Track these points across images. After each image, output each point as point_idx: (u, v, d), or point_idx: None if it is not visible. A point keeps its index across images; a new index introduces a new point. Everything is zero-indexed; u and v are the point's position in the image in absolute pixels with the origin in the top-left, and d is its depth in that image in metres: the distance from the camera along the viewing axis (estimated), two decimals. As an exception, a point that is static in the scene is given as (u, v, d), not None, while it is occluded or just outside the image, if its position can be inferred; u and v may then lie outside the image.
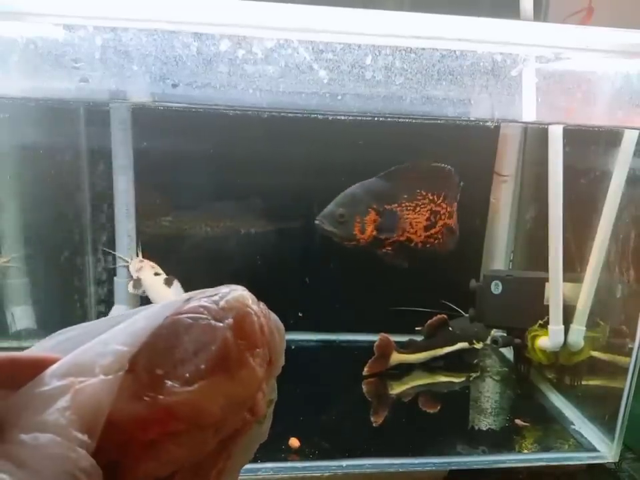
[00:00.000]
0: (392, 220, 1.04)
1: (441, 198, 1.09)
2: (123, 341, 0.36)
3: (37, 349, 0.40)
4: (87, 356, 0.35)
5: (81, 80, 0.74)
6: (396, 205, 1.05)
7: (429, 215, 1.07)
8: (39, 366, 0.35)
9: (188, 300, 0.40)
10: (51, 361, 0.36)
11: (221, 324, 0.39)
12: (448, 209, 1.11)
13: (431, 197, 1.09)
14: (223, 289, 0.41)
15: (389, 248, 1.07)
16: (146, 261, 1.21)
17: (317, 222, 1.05)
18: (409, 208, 1.05)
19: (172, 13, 0.68)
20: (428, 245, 1.11)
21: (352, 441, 1.03)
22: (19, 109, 1.13)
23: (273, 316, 0.44)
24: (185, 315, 0.39)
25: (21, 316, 1.27)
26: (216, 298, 0.40)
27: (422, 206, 1.07)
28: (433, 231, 1.09)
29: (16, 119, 1.15)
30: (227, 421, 0.38)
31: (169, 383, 0.36)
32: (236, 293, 0.41)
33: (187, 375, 0.37)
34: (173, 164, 1.31)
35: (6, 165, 1.22)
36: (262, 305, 0.43)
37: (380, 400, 1.21)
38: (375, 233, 1.03)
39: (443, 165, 1.13)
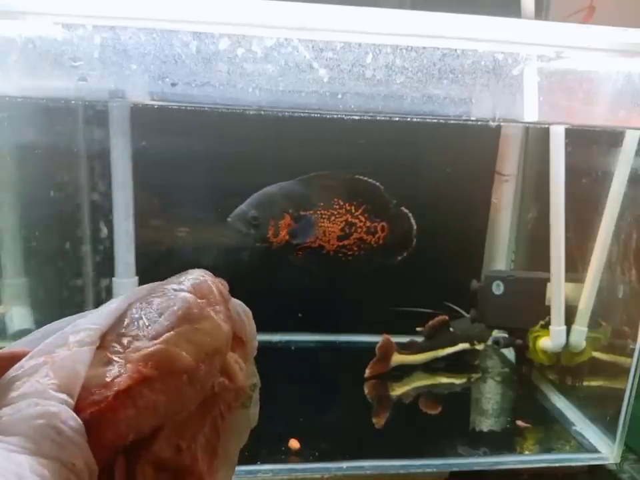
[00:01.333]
0: (306, 226, 1.02)
1: (359, 211, 1.07)
2: (94, 321, 0.39)
3: (17, 344, 0.41)
4: (60, 337, 0.38)
5: (80, 79, 0.73)
6: (312, 211, 1.03)
7: (343, 225, 1.05)
8: (16, 358, 0.37)
9: (154, 285, 0.45)
10: (27, 353, 0.37)
11: (181, 291, 0.43)
12: (366, 224, 1.09)
13: (347, 208, 1.06)
14: (183, 273, 0.46)
15: (300, 252, 1.05)
16: None
17: (228, 220, 1.01)
18: (324, 216, 1.03)
19: (171, 12, 0.68)
20: (340, 255, 1.09)
21: (352, 443, 1.02)
22: (17, 108, 1.12)
23: (236, 301, 0.47)
24: (151, 294, 0.43)
25: (20, 316, 1.26)
26: (176, 278, 0.45)
27: (337, 216, 1.05)
28: (346, 242, 1.07)
29: (15, 118, 1.15)
30: (200, 372, 0.39)
31: (137, 342, 0.39)
32: (193, 271, 0.46)
33: (154, 332, 0.40)
34: (172, 164, 1.31)
35: (5, 165, 1.21)
36: (221, 281, 0.47)
37: (380, 401, 1.21)
38: (287, 237, 1.01)
39: (369, 179, 1.10)
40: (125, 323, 0.41)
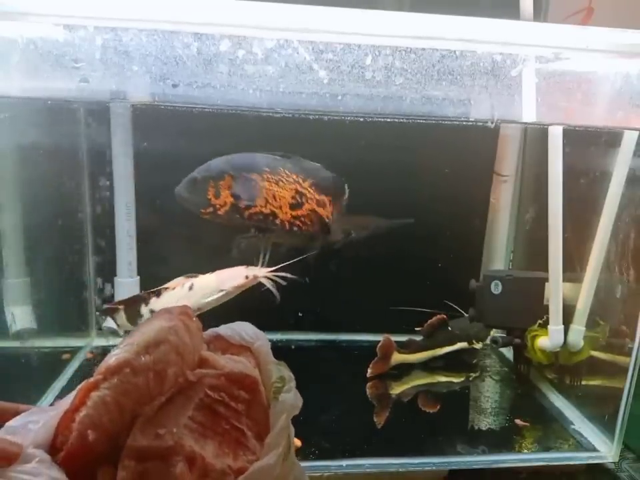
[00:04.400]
0: (248, 186, 1.01)
1: (307, 183, 1.07)
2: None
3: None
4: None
5: (82, 80, 0.74)
6: (255, 173, 1.02)
7: (294, 194, 1.06)
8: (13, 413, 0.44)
9: None
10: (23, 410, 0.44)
11: None
12: (316, 197, 1.09)
13: (295, 178, 1.06)
14: None
15: (252, 218, 1.03)
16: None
17: (175, 192, 1.02)
18: (270, 180, 1.03)
19: (172, 13, 0.68)
20: (295, 228, 1.08)
21: (352, 441, 1.03)
22: (19, 109, 1.13)
23: (237, 324, 0.56)
24: None
25: (21, 316, 1.27)
26: None
27: (286, 183, 1.04)
28: (299, 212, 1.07)
29: (16, 119, 1.15)
30: (141, 361, 0.43)
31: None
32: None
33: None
34: (172, 163, 1.31)
35: (6, 165, 1.22)
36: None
37: (380, 400, 1.21)
38: (231, 199, 1.01)
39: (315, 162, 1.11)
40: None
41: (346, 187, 1.13)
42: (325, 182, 1.09)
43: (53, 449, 0.39)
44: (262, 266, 0.96)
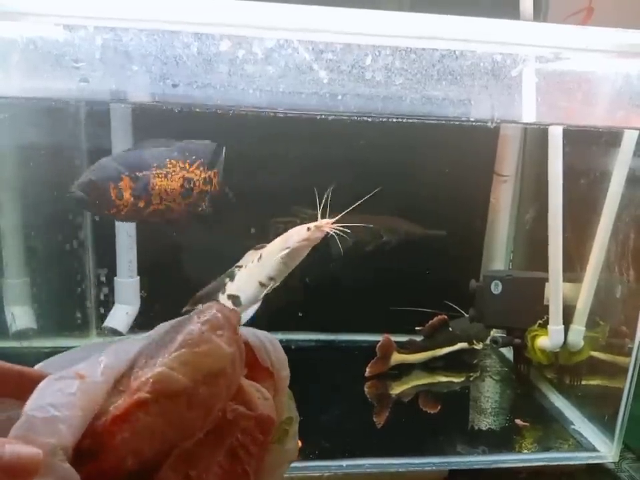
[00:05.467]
0: (143, 186, 1.02)
1: (194, 167, 1.08)
2: (112, 364, 0.41)
3: (48, 364, 0.42)
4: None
5: (81, 80, 0.74)
6: (146, 171, 1.03)
7: (182, 182, 1.06)
8: (37, 380, 0.39)
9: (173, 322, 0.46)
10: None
11: (191, 324, 0.43)
12: (203, 176, 1.09)
13: (182, 165, 1.07)
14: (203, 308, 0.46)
15: (151, 217, 1.04)
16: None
17: (70, 194, 1.00)
18: (160, 175, 1.04)
19: (172, 13, 0.68)
20: (191, 212, 1.09)
21: (352, 441, 1.03)
22: (19, 109, 1.13)
23: (263, 332, 0.48)
24: (168, 330, 0.44)
25: (21, 316, 1.27)
26: (195, 314, 0.45)
27: (173, 174, 1.05)
28: (191, 199, 1.08)
29: (16, 119, 1.15)
30: (200, 394, 0.39)
31: (140, 372, 0.40)
32: (212, 305, 0.46)
33: (156, 362, 0.40)
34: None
35: (6, 165, 1.22)
36: (234, 310, 0.46)
37: (380, 400, 1.21)
38: (131, 199, 1.01)
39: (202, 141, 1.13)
40: (139, 359, 0.41)
41: (223, 150, 1.13)
42: (209, 157, 1.10)
43: (76, 450, 0.36)
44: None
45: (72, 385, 0.38)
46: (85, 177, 1.00)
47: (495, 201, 1.47)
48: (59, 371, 0.40)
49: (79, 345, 1.41)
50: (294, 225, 0.97)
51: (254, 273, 0.96)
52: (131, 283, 1.35)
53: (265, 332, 0.46)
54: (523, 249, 1.49)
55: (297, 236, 0.91)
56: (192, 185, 1.07)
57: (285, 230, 0.97)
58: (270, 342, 0.47)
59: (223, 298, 0.99)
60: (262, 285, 0.96)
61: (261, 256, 0.96)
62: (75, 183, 0.99)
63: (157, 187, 1.03)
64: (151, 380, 0.38)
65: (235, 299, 0.99)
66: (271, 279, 0.93)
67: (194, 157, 1.08)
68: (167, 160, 1.05)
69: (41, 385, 0.38)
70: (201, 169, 1.08)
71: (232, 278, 1.00)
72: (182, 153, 1.07)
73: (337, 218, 0.92)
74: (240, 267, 1.01)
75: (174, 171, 1.05)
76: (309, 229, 0.90)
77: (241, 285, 0.99)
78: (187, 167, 1.07)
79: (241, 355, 0.43)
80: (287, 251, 0.90)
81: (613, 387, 1.06)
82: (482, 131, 0.91)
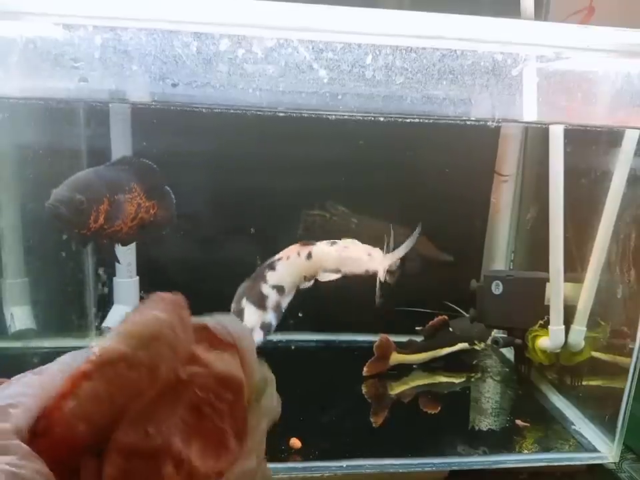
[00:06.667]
0: (118, 210, 1.00)
1: (143, 192, 1.07)
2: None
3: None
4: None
5: (81, 79, 0.73)
6: (121, 195, 1.02)
7: (136, 208, 1.05)
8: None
9: None
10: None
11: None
12: (146, 203, 1.08)
13: (138, 190, 1.06)
14: None
15: (106, 236, 1.02)
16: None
17: (50, 206, 0.93)
18: (127, 200, 1.03)
19: (171, 13, 0.68)
20: (133, 236, 1.08)
21: (352, 442, 1.02)
22: (18, 109, 1.12)
23: (227, 317, 0.50)
24: None
25: (21, 316, 1.27)
26: None
27: (133, 198, 1.04)
28: (135, 222, 1.06)
29: (16, 119, 1.15)
30: (138, 357, 0.42)
31: None
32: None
33: None
34: (172, 163, 1.31)
35: (6, 165, 1.22)
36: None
37: (380, 400, 1.21)
38: (102, 222, 0.98)
39: (149, 162, 1.11)
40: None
41: (171, 193, 1.12)
42: (150, 184, 1.08)
43: (32, 434, 0.38)
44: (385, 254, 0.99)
45: (31, 378, 0.41)
46: (70, 194, 0.94)
47: (496, 201, 1.47)
48: None
49: (78, 345, 1.41)
50: (323, 218, 0.97)
51: (300, 268, 0.97)
52: (130, 283, 1.35)
53: (222, 314, 0.50)
54: (523, 248, 1.49)
55: (353, 268, 0.93)
56: (139, 210, 1.06)
57: (313, 223, 0.98)
58: (223, 317, 0.50)
59: (266, 287, 0.99)
60: (306, 279, 0.98)
61: (310, 254, 0.95)
62: (58, 197, 0.93)
63: (125, 212, 1.02)
64: (94, 357, 0.41)
65: (279, 288, 1.01)
66: (312, 277, 0.95)
67: (144, 182, 1.07)
68: (132, 184, 1.04)
69: (3, 385, 0.41)
70: (145, 195, 1.07)
71: (273, 268, 1.00)
72: (137, 175, 1.06)
73: (398, 255, 0.98)
74: (280, 258, 1.01)
75: (133, 197, 1.04)
76: (367, 271, 0.92)
77: (283, 275, 1.00)
78: (141, 191, 1.06)
79: (181, 320, 0.46)
80: (338, 276, 0.93)
81: (613, 388, 1.06)
82: (482, 130, 0.91)
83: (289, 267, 0.99)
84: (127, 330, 0.43)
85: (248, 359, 0.49)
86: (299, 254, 0.99)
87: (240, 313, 1.00)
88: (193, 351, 0.46)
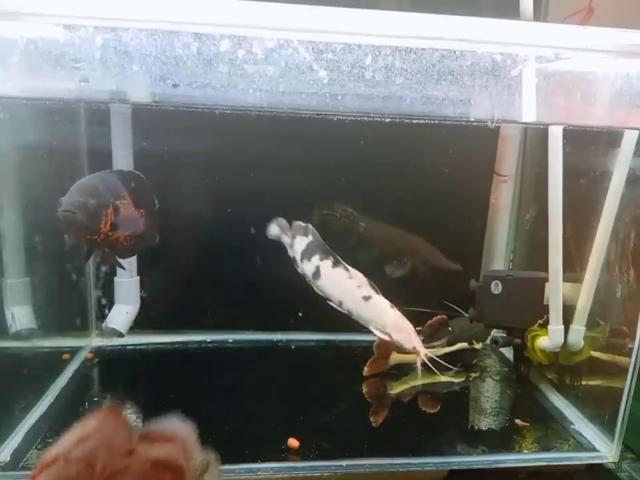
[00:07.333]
0: (119, 216, 1.01)
1: (132, 201, 1.08)
2: None
3: None
4: None
5: (81, 80, 0.74)
6: (123, 201, 1.03)
7: (130, 215, 1.06)
8: None
9: None
10: None
11: None
12: (135, 212, 1.09)
13: (129, 199, 1.07)
14: None
15: (105, 242, 1.02)
16: None
17: (65, 212, 0.92)
18: (124, 206, 1.03)
19: (172, 13, 0.69)
20: (124, 244, 1.09)
21: (352, 441, 1.03)
22: (19, 109, 1.13)
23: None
24: None
25: (21, 316, 1.27)
26: None
27: (128, 206, 1.05)
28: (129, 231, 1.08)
29: (16, 119, 1.15)
30: (78, 454, 0.51)
31: None
32: None
33: None
34: (172, 164, 1.31)
35: (6, 165, 1.22)
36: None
37: (379, 400, 1.21)
38: (109, 228, 0.98)
39: (138, 173, 1.13)
40: None
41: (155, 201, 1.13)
42: (140, 195, 1.09)
43: None
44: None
45: None
46: (83, 200, 0.94)
47: (495, 201, 1.47)
48: None
49: (78, 345, 1.41)
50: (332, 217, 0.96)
51: (357, 302, 0.96)
52: (130, 283, 1.35)
53: (168, 418, 0.63)
54: (522, 249, 1.49)
55: (396, 337, 0.93)
56: (131, 218, 1.07)
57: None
58: (167, 422, 0.63)
59: None
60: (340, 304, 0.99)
61: (370, 298, 0.95)
62: (73, 202, 0.92)
63: (123, 217, 1.02)
64: (39, 463, 0.52)
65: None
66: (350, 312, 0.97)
67: (135, 192, 1.08)
68: (126, 191, 1.05)
69: None
70: (136, 204, 1.08)
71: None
72: (127, 184, 1.06)
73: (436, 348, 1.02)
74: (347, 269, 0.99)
75: (128, 204, 1.05)
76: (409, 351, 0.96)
77: (331, 283, 1.02)
78: (132, 200, 1.07)
79: (116, 424, 0.57)
80: (381, 335, 0.94)
81: (613, 387, 1.06)
82: (482, 131, 0.91)
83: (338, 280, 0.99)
84: (64, 437, 0.53)
85: (187, 446, 0.60)
86: (360, 286, 0.96)
87: None
88: (132, 447, 0.56)
